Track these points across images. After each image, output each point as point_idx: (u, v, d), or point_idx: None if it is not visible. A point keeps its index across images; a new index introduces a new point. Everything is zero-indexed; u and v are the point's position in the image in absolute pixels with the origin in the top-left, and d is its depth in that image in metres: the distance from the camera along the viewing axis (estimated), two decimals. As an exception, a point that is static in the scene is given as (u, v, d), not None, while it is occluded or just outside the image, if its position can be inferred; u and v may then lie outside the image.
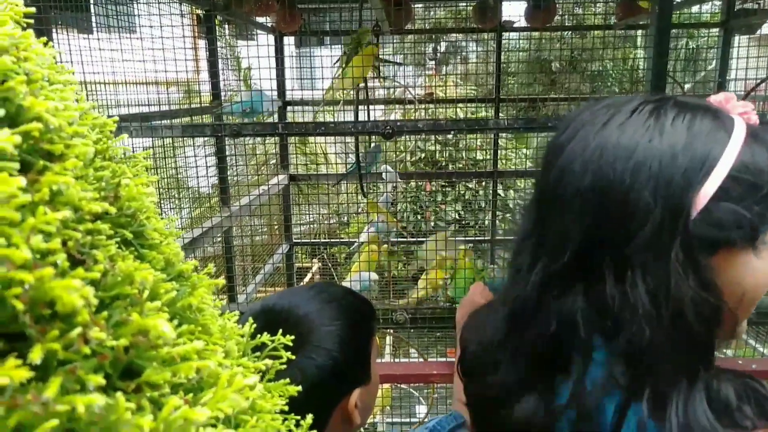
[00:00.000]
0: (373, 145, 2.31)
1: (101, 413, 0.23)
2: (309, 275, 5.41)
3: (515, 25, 2.87)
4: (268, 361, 0.48)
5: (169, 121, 1.76)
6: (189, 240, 1.91)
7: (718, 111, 0.53)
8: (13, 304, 0.21)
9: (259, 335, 0.53)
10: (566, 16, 3.05)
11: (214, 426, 0.31)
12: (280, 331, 0.54)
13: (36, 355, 0.21)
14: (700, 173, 0.49)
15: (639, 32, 4.06)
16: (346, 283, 2.34)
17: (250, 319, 0.53)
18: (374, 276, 2.59)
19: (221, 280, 0.42)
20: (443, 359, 2.99)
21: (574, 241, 0.52)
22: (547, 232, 0.55)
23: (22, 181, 0.22)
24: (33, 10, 0.36)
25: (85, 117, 0.44)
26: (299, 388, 0.48)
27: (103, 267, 0.31)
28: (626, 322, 0.49)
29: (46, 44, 0.39)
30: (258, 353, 0.52)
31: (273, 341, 0.55)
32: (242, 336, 0.51)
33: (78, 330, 0.24)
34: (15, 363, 0.20)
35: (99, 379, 0.25)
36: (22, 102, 0.29)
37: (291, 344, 0.54)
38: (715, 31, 3.55)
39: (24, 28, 0.36)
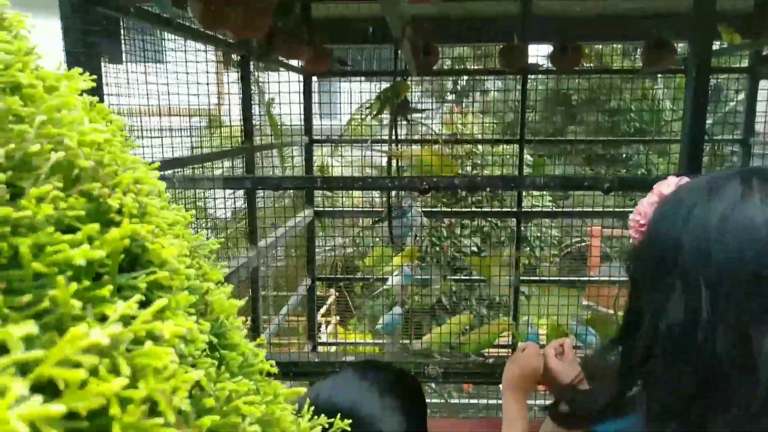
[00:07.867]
0: (405, 201, 2.36)
1: None
2: (325, 306, 5.42)
3: (541, 68, 2.90)
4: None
5: (210, 172, 1.82)
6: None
7: None
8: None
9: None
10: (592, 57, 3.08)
11: None
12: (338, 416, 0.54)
13: None
14: None
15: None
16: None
17: (308, 407, 0.53)
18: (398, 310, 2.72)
19: (301, 389, 0.43)
20: (476, 419, 2.95)
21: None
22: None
23: (172, 358, 0.24)
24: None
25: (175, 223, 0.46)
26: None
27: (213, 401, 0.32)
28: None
29: (95, 80, 0.41)
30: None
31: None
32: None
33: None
34: None
35: None
36: (148, 245, 0.32)
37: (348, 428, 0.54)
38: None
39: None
